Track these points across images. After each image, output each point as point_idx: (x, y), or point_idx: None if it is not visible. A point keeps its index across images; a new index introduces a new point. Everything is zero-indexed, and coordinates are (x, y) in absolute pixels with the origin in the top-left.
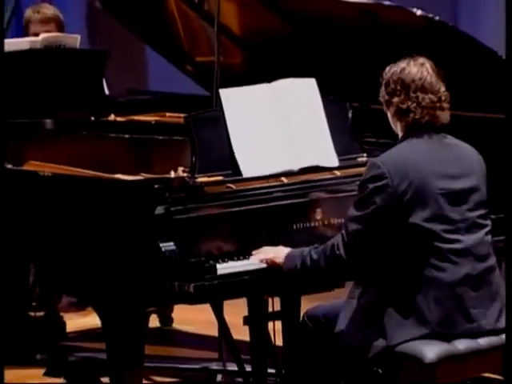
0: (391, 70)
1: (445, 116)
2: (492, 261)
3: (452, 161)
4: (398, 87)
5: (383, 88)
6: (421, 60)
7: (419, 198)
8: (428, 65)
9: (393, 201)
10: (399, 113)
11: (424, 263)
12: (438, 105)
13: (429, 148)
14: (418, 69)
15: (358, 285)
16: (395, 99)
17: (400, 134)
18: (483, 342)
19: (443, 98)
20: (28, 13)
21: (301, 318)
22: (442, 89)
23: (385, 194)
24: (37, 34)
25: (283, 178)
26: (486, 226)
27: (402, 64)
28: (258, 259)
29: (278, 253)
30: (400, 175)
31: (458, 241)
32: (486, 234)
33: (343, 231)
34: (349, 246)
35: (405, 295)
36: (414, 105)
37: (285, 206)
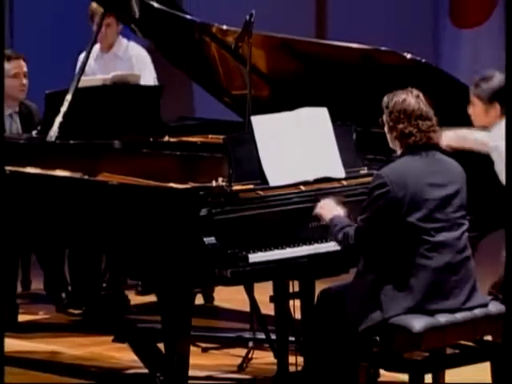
0: (393, 100)
1: (436, 137)
2: (468, 252)
3: (440, 173)
4: (402, 116)
5: (387, 115)
6: (415, 92)
7: (414, 202)
8: (422, 96)
9: (393, 204)
10: (402, 136)
11: (415, 253)
12: (432, 128)
13: (423, 163)
14: (416, 100)
15: (362, 269)
16: (400, 125)
17: (399, 151)
18: (459, 316)
19: (435, 123)
20: None
21: (316, 297)
22: (433, 115)
23: (387, 199)
24: None
25: (301, 187)
26: (464, 224)
27: (402, 95)
28: (317, 208)
29: (330, 212)
30: (399, 184)
31: (442, 236)
32: (464, 231)
33: (356, 226)
34: (357, 238)
35: (399, 277)
36: (416, 130)
37: (302, 208)
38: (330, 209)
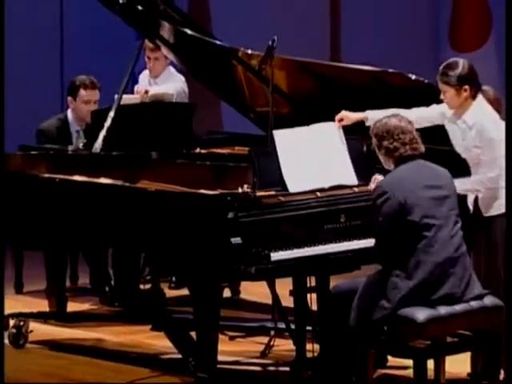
0: (376, 125)
1: (420, 148)
2: (464, 248)
3: (431, 176)
4: (385, 134)
5: (374, 138)
6: (396, 114)
7: (413, 202)
8: (401, 116)
9: (395, 206)
10: (389, 151)
11: (417, 249)
12: (414, 141)
13: (414, 169)
14: (396, 119)
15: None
16: (384, 142)
17: (392, 167)
18: (458, 307)
19: (417, 136)
20: None
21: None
22: (414, 129)
23: (389, 204)
24: None
25: (318, 193)
26: (459, 222)
27: (384, 120)
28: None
29: None
30: (397, 188)
31: (440, 232)
32: (460, 229)
33: (376, 236)
34: (378, 246)
35: (404, 272)
36: (399, 144)
37: (318, 212)
38: None
